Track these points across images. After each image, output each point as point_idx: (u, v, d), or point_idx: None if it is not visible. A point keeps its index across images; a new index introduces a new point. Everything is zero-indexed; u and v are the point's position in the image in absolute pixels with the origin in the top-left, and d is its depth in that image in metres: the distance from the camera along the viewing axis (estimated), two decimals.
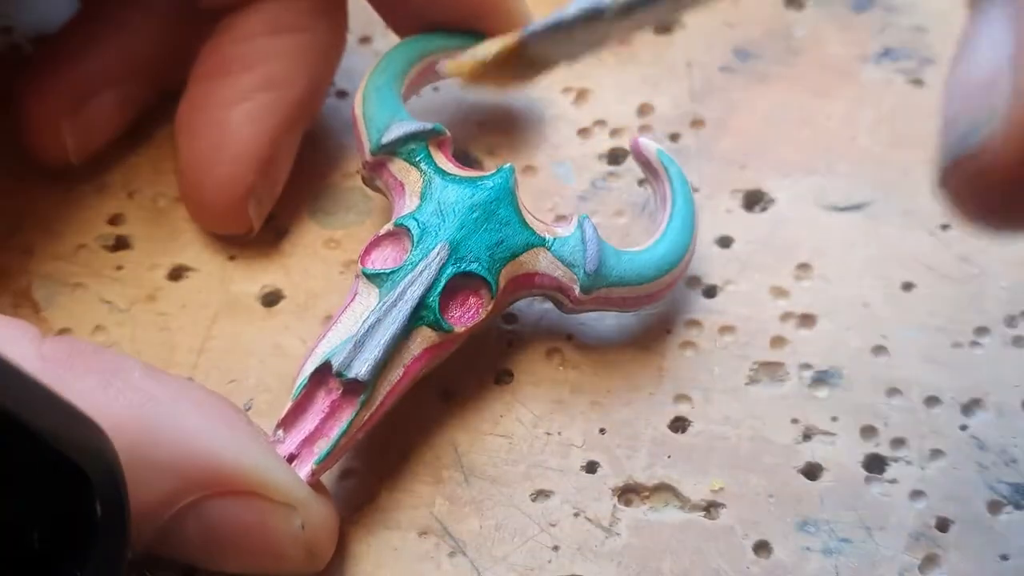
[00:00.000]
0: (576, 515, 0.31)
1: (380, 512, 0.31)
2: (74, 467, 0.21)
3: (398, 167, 0.32)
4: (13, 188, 0.36)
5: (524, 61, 0.29)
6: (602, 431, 0.32)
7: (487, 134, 0.37)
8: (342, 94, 0.38)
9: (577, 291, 0.31)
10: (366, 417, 0.29)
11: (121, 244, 0.35)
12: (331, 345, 0.29)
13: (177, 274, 0.35)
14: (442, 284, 0.30)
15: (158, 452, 0.26)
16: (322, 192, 0.36)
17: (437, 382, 0.33)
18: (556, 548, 0.30)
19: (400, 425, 0.32)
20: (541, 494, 0.31)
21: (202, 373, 0.33)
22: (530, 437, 0.32)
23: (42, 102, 0.34)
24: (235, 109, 0.33)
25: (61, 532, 0.22)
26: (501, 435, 0.32)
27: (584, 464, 0.31)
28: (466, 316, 0.31)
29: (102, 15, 0.35)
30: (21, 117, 0.35)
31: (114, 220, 0.36)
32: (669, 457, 0.32)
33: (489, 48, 0.29)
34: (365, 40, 0.39)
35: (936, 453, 0.31)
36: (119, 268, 0.35)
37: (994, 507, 0.31)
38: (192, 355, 0.33)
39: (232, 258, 0.35)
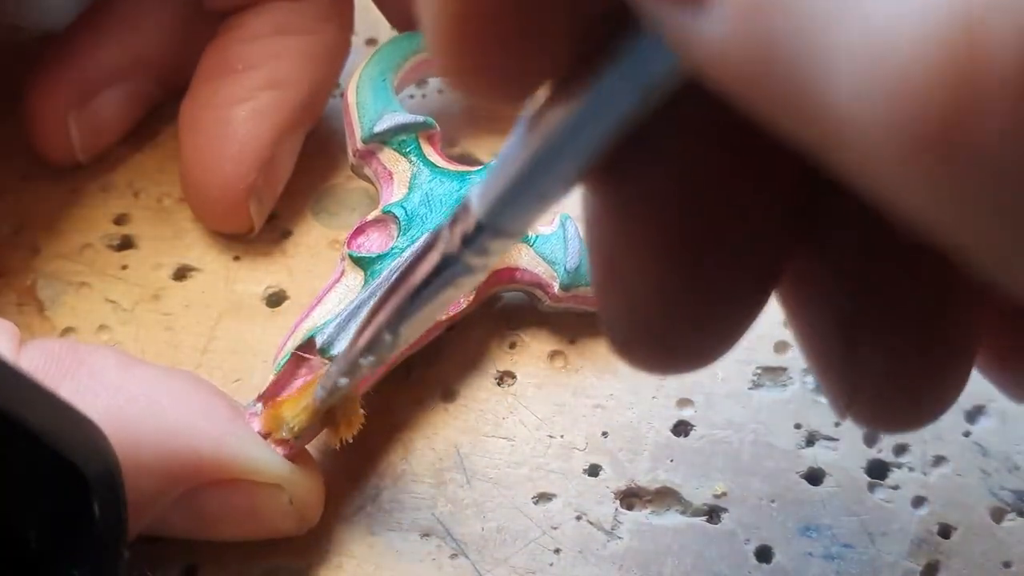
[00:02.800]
0: (578, 518, 0.31)
1: (382, 513, 0.31)
2: (72, 467, 0.21)
3: (388, 156, 0.33)
4: (19, 187, 0.36)
5: (334, 408, 0.29)
6: (604, 434, 0.32)
7: (491, 136, 0.37)
8: None
9: (556, 288, 0.32)
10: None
11: (126, 244, 0.35)
12: (315, 323, 0.30)
13: (182, 274, 0.35)
14: None
15: (140, 453, 0.26)
16: (325, 193, 0.36)
17: (439, 384, 0.33)
18: (558, 551, 0.30)
19: (402, 426, 0.32)
20: (543, 497, 0.31)
21: (206, 373, 0.33)
22: (532, 440, 0.32)
23: (49, 97, 0.35)
24: (238, 107, 0.34)
25: (58, 531, 0.22)
26: (503, 437, 0.32)
27: (586, 467, 0.31)
28: (451, 304, 0.31)
29: (109, 13, 0.35)
30: (28, 113, 0.35)
31: (119, 220, 0.36)
32: (671, 461, 0.31)
33: (297, 418, 0.29)
34: (372, 42, 0.39)
35: (939, 459, 0.31)
36: (124, 268, 0.35)
37: (997, 514, 0.31)
38: (196, 355, 0.33)
39: (236, 258, 0.35)
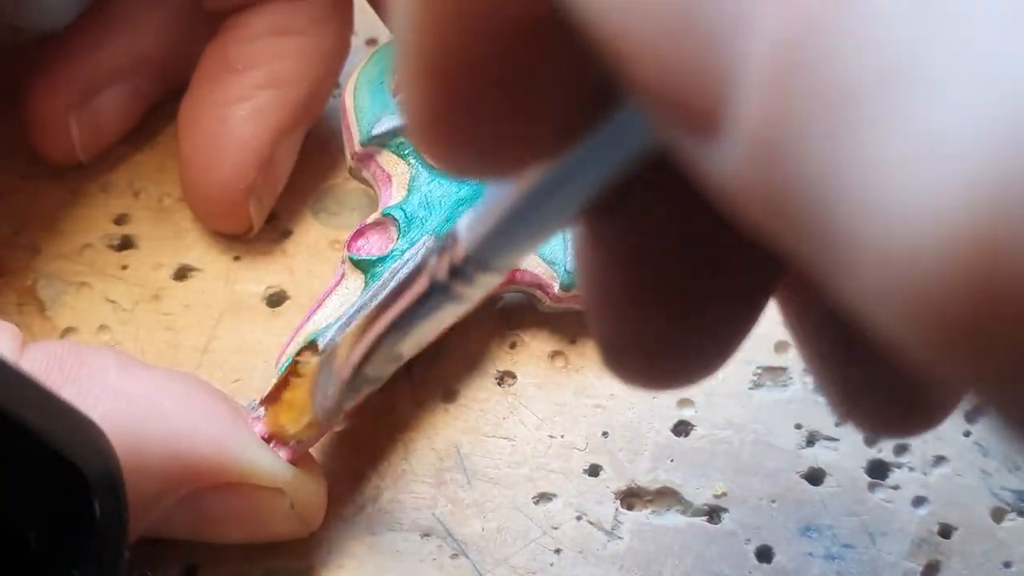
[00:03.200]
0: (578, 518, 0.31)
1: (383, 513, 0.31)
2: (72, 467, 0.21)
3: (386, 159, 0.33)
4: (20, 187, 0.36)
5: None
6: (605, 434, 0.32)
7: None
8: None
9: (556, 288, 0.32)
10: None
11: (126, 244, 0.35)
12: (316, 326, 0.30)
13: (182, 274, 0.35)
14: None
15: (141, 456, 0.26)
16: (326, 193, 0.36)
17: (440, 384, 0.33)
18: (558, 551, 0.30)
19: (403, 426, 0.32)
20: (543, 497, 0.31)
21: (206, 373, 0.33)
22: (533, 440, 0.32)
23: (50, 97, 0.35)
24: (237, 107, 0.34)
25: (59, 532, 0.22)
26: (504, 437, 0.32)
27: (587, 467, 0.31)
28: None
29: (110, 12, 0.35)
30: (28, 112, 0.35)
31: (120, 220, 0.36)
32: (672, 461, 0.31)
33: (302, 433, 0.29)
34: (372, 42, 0.39)
35: (939, 459, 0.31)
36: (124, 268, 0.35)
37: (997, 514, 0.31)
38: (196, 355, 0.33)
39: (237, 258, 0.35)
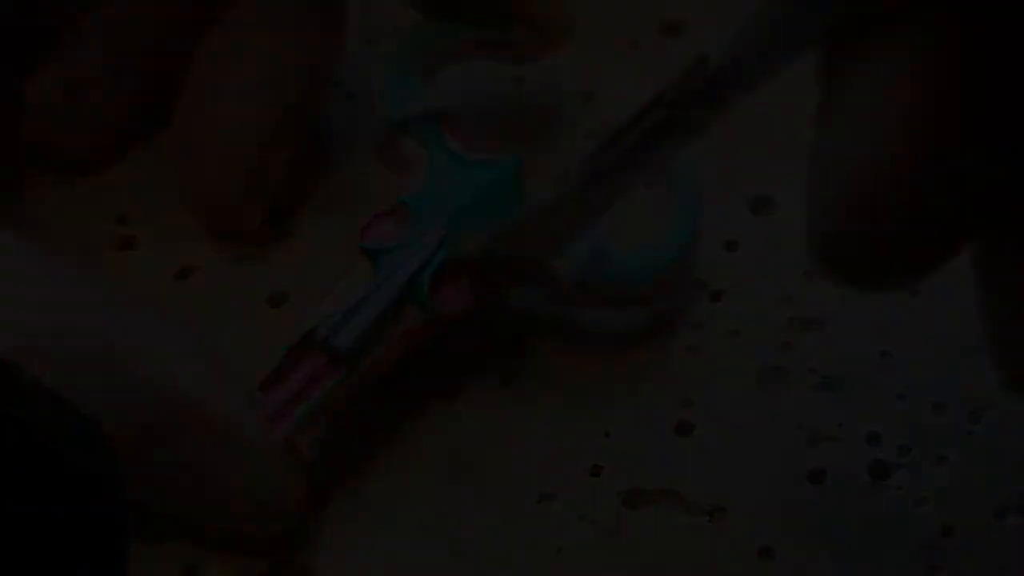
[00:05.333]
0: (580, 518, 0.31)
1: (383, 513, 0.31)
2: (73, 466, 0.21)
3: (407, 145, 0.33)
4: (19, 187, 0.36)
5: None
6: (607, 434, 0.32)
7: (494, 137, 0.37)
8: (350, 95, 0.38)
9: (571, 285, 0.32)
10: (347, 387, 0.29)
11: (127, 243, 0.35)
12: (321, 313, 0.30)
13: (183, 274, 0.35)
14: (435, 266, 0.30)
15: (137, 380, 0.27)
16: (326, 192, 0.36)
17: (441, 383, 0.33)
18: (559, 551, 0.30)
19: (403, 426, 0.32)
20: (545, 497, 0.31)
21: None
22: (534, 439, 0.32)
23: (43, 93, 0.35)
24: (227, 105, 0.33)
25: (60, 532, 0.22)
26: (505, 436, 0.32)
27: (588, 467, 0.31)
28: (456, 300, 0.31)
29: (104, 10, 0.35)
30: (24, 111, 0.35)
31: (121, 219, 0.36)
32: (673, 461, 0.31)
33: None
34: (372, 42, 0.39)
35: (941, 459, 0.31)
36: (126, 268, 0.35)
37: (999, 514, 0.30)
38: None
39: (238, 258, 0.35)
